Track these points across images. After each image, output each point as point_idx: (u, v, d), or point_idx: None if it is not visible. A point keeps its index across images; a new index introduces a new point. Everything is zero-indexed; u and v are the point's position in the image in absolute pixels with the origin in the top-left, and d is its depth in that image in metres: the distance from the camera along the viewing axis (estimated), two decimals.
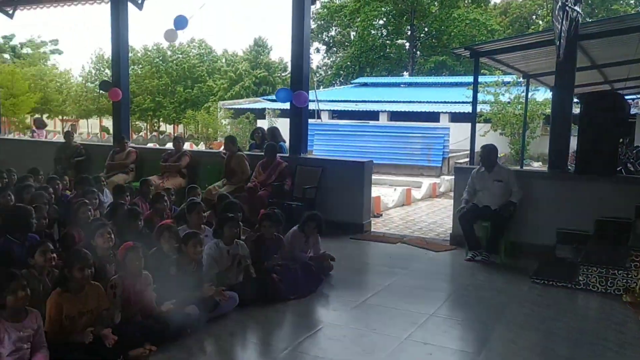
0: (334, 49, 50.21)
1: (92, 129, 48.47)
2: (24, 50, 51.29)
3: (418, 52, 45.69)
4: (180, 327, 4.33)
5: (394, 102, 29.90)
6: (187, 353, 4.14)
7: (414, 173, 18.80)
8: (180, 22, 9.19)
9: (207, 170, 9.69)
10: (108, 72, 40.39)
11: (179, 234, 5.29)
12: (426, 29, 44.94)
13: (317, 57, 51.04)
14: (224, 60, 46.01)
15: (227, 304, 4.86)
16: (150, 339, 4.09)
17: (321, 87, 41.48)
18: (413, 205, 12.12)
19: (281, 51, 57.69)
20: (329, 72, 49.16)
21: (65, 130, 11.83)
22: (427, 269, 6.65)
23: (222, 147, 9.95)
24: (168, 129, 47.80)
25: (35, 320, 3.58)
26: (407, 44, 45.85)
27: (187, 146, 16.19)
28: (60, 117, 47.23)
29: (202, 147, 27.23)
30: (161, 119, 43.42)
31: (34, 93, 37.93)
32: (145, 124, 45.47)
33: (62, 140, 11.69)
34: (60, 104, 42.63)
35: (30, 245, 4.40)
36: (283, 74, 43.25)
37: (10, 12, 12.49)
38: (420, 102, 29.30)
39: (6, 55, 47.33)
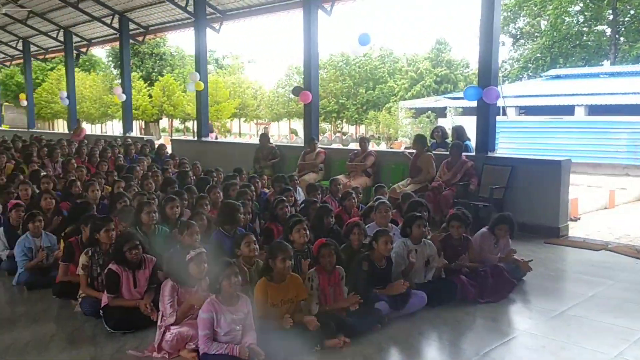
0: (522, 40, 47.14)
1: (282, 131, 52.21)
2: (225, 62, 57.16)
3: (622, 38, 40.80)
4: (371, 323, 4.45)
5: (592, 94, 27.09)
6: (377, 348, 4.22)
7: (617, 173, 16.86)
8: (364, 39, 10.29)
9: (392, 169, 9.81)
10: (297, 77, 43.13)
11: (367, 231, 5.45)
12: (632, 12, 39.90)
13: (503, 50, 48.35)
14: (404, 61, 46.10)
15: (416, 303, 4.87)
16: (344, 331, 4.26)
17: (507, 82, 39.27)
18: (617, 209, 10.87)
19: (463, 49, 55.99)
20: (515, 66, 46.29)
21: (261, 133, 12.84)
22: (639, 281, 5.90)
23: (403, 147, 9.98)
24: (350, 129, 49.48)
25: (246, 305, 3.95)
26: (609, 30, 41.20)
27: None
28: (255, 120, 51.71)
29: (383, 147, 27.65)
30: (344, 120, 45.05)
31: (234, 100, 42.05)
32: (329, 126, 47.61)
33: (253, 142, 12.73)
34: (254, 108, 46.66)
35: (236, 237, 4.86)
36: (465, 71, 41.97)
37: (217, 27, 14.02)
38: (625, 93, 26.12)
39: (210, 67, 53.17)
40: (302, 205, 6.87)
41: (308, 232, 5.18)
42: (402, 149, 12.54)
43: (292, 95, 44.25)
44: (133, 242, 4.56)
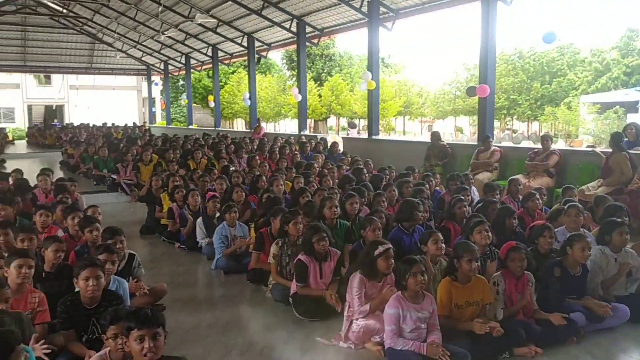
0: None
1: (447, 129, 51.02)
2: (390, 60, 57.42)
3: None
4: (565, 334, 4.15)
5: None
6: None
7: None
8: (550, 37, 10.20)
9: (579, 169, 9.04)
10: (465, 74, 41.78)
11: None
12: None
13: None
14: (587, 51, 42.07)
15: (616, 317, 4.42)
16: (535, 340, 4.03)
17: None
18: None
19: None
20: None
21: (432, 131, 12.65)
22: None
23: (584, 145, 9.15)
24: (521, 127, 46.67)
25: (431, 304, 3.93)
26: None
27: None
28: (419, 118, 51.20)
29: (560, 144, 25.61)
30: (515, 117, 42.60)
31: (399, 98, 42.08)
32: (498, 123, 45.36)
33: (422, 140, 12.56)
34: (419, 106, 46.18)
35: (423, 234, 4.85)
36: None
37: (390, 26, 14.12)
38: None
39: None
40: (481, 205, 6.63)
41: (490, 234, 5.00)
42: (583, 147, 11.50)
43: (458, 92, 43.07)
44: (321, 234, 4.79)
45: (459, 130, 47.24)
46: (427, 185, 7.63)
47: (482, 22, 10.76)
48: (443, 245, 4.57)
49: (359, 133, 15.89)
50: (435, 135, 12.08)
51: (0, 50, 29.06)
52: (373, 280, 4.21)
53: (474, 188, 8.37)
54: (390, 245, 4.22)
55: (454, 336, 3.99)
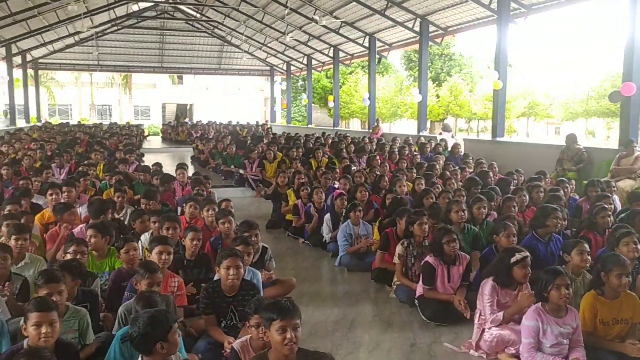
0: None
1: (576, 132, 47.63)
2: (514, 60, 54.79)
3: None
4: None
5: None
6: None
7: None
8: None
9: None
10: (599, 74, 38.72)
11: None
12: None
13: None
14: None
15: None
16: None
17: None
18: None
19: None
20: None
21: (567, 134, 11.77)
22: None
23: None
24: None
25: (575, 319, 3.67)
26: None
27: None
28: (545, 120, 48.31)
29: None
30: None
31: (524, 98, 39.95)
32: None
33: (551, 142, 11.74)
34: (546, 107, 43.53)
35: (566, 243, 4.56)
36: None
37: (520, 23, 13.41)
38: None
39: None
40: (626, 215, 6.09)
41: (638, 247, 4.57)
42: None
43: (591, 93, 40.01)
44: (451, 235, 4.67)
45: (590, 134, 43.93)
46: (562, 192, 7.16)
47: (630, 9, 9.79)
48: (589, 257, 4.24)
49: (453, 137, 15.24)
50: (571, 138, 11.21)
51: (141, 52, 31.70)
52: (506, 288, 4.02)
53: (615, 196, 7.72)
54: (528, 253, 4.00)
55: (600, 355, 3.70)
